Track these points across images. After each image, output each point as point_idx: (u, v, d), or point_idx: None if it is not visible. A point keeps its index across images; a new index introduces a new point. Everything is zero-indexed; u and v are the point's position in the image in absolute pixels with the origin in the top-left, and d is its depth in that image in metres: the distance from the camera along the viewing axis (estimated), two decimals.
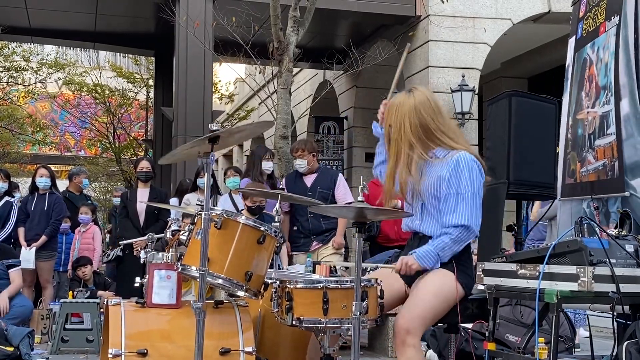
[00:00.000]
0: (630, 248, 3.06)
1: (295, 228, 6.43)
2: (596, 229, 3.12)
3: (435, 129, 3.23)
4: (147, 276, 3.36)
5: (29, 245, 7.37)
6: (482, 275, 3.35)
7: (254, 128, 3.56)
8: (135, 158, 16.93)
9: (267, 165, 6.64)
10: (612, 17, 4.23)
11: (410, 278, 3.26)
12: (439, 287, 3.14)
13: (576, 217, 3.49)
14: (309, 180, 6.40)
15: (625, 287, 2.91)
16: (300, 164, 6.38)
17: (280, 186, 6.30)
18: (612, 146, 4.14)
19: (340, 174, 6.63)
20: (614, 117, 4.12)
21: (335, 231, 6.38)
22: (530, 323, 3.37)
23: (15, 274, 6.73)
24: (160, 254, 3.41)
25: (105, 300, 3.51)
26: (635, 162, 3.97)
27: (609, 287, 2.89)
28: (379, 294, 3.06)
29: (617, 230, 3.27)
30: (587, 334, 4.04)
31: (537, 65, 13.09)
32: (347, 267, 6.04)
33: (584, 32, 4.63)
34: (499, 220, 4.59)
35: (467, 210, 3.11)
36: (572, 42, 4.81)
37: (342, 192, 6.39)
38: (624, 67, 4.08)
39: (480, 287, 3.37)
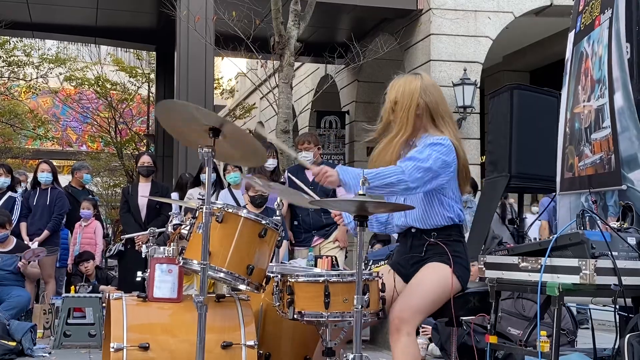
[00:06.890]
0: (632, 241, 3.05)
1: (295, 223, 6.35)
2: (598, 221, 3.11)
3: (444, 111, 3.25)
4: (149, 270, 3.36)
5: (31, 239, 7.39)
6: (484, 269, 3.34)
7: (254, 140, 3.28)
8: (136, 153, 16.91)
9: (268, 163, 6.43)
10: (606, 11, 4.22)
11: (407, 274, 3.25)
12: (435, 279, 3.14)
13: (576, 211, 3.48)
14: (311, 174, 6.30)
15: (627, 280, 2.91)
16: (307, 157, 6.23)
17: (282, 180, 6.26)
18: (608, 139, 4.13)
19: None
20: (609, 110, 4.11)
21: (336, 226, 6.26)
22: (532, 316, 3.37)
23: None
24: (162, 248, 3.41)
25: (107, 294, 3.52)
26: (631, 155, 3.96)
27: (611, 280, 2.89)
28: (380, 288, 3.06)
29: (619, 222, 3.26)
30: None
31: (539, 59, 13.07)
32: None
33: (582, 25, 4.61)
34: (491, 210, 4.60)
35: (413, 164, 3.05)
36: (571, 36, 4.80)
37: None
38: (617, 60, 4.07)
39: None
